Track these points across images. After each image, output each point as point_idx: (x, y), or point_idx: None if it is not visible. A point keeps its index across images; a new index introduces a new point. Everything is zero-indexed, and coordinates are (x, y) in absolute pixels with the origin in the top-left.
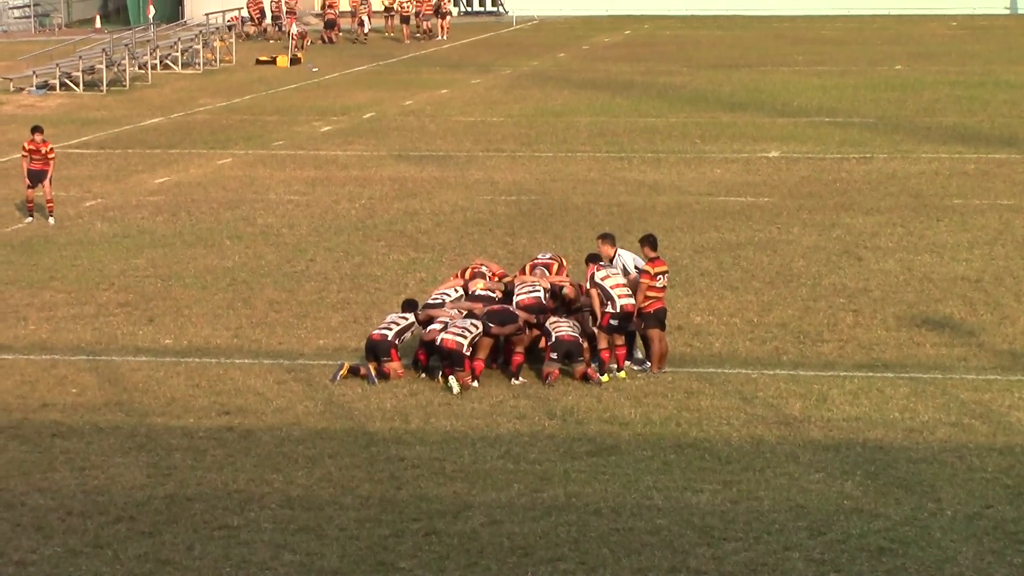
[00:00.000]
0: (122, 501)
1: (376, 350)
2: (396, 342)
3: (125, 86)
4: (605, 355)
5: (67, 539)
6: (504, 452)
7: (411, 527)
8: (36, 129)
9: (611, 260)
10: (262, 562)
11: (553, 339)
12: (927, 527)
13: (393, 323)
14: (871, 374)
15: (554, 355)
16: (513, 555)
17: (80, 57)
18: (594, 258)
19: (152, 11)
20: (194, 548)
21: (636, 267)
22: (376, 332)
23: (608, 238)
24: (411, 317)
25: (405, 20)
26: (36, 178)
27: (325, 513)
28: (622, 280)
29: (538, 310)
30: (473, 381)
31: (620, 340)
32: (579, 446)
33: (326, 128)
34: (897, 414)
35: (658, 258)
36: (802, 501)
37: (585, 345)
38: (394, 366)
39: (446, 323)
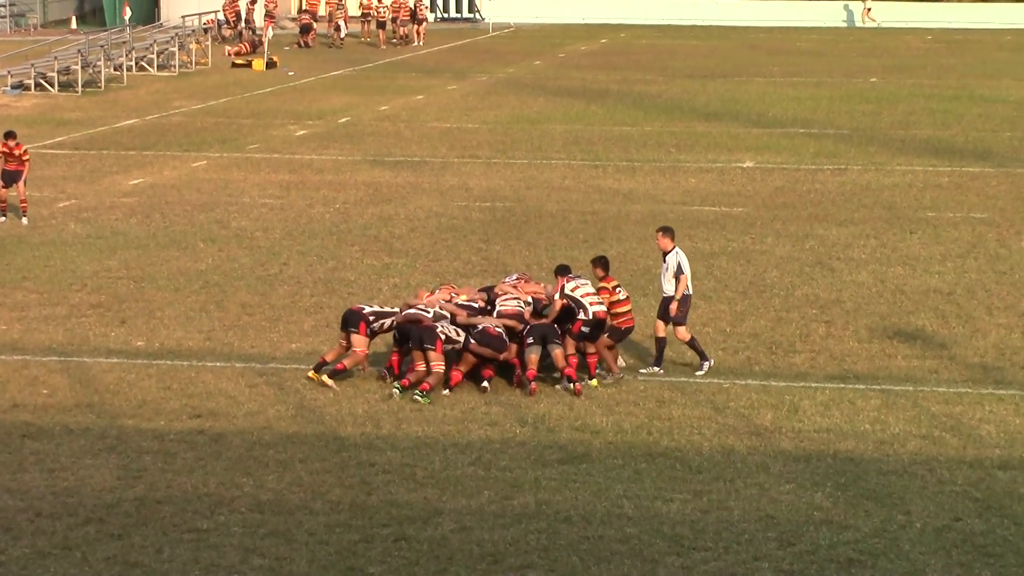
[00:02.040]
0: (92, 503)
1: (348, 320)
2: (370, 318)
3: (100, 87)
4: (573, 361)
5: (36, 540)
6: (475, 459)
7: (381, 533)
8: (9, 135)
9: (666, 254)
10: (231, 566)
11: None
12: (896, 539)
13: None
14: (842, 385)
15: (531, 340)
16: (483, 562)
17: (55, 58)
18: (563, 270)
19: (128, 13)
20: (163, 551)
21: (680, 268)
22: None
23: (668, 231)
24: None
25: (382, 25)
26: (10, 178)
27: (295, 518)
28: (591, 289)
29: (519, 320)
30: (446, 389)
31: (591, 348)
32: (550, 454)
33: (301, 132)
34: (868, 426)
35: (607, 276)
36: (772, 512)
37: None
38: (359, 339)
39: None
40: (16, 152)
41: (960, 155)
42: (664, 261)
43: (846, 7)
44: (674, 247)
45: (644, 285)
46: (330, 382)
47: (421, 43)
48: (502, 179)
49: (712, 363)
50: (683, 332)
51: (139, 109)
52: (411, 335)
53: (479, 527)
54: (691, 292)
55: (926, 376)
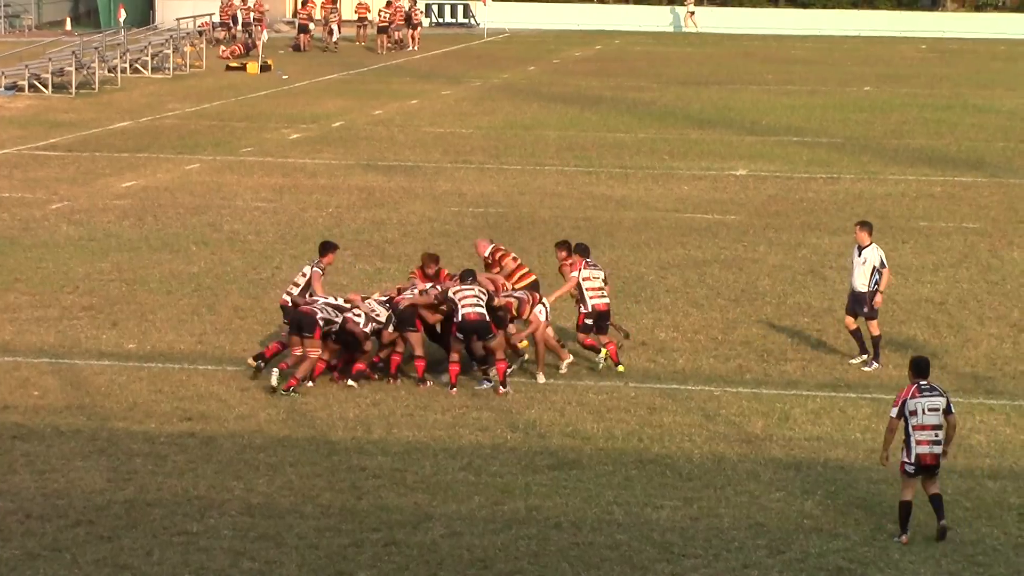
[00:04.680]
0: (82, 505)
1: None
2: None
3: (94, 89)
4: (606, 346)
5: (25, 542)
6: (465, 464)
7: (371, 537)
8: None
9: (862, 249)
10: (221, 569)
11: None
12: (886, 548)
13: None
14: (833, 394)
15: (460, 335)
16: (472, 567)
17: (50, 59)
18: (583, 251)
19: (123, 15)
20: (153, 553)
21: (883, 262)
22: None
23: (867, 225)
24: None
25: (382, 30)
26: None
27: (285, 521)
28: (599, 284)
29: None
30: (451, 388)
31: (605, 338)
32: (541, 459)
33: (295, 136)
34: (859, 434)
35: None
36: (762, 519)
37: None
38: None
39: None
40: None
41: (953, 165)
42: (859, 255)
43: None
44: (871, 242)
45: (636, 292)
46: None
47: (415, 48)
48: (495, 185)
49: (879, 366)
50: (875, 326)
51: (133, 111)
52: (292, 321)
53: (469, 532)
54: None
55: None
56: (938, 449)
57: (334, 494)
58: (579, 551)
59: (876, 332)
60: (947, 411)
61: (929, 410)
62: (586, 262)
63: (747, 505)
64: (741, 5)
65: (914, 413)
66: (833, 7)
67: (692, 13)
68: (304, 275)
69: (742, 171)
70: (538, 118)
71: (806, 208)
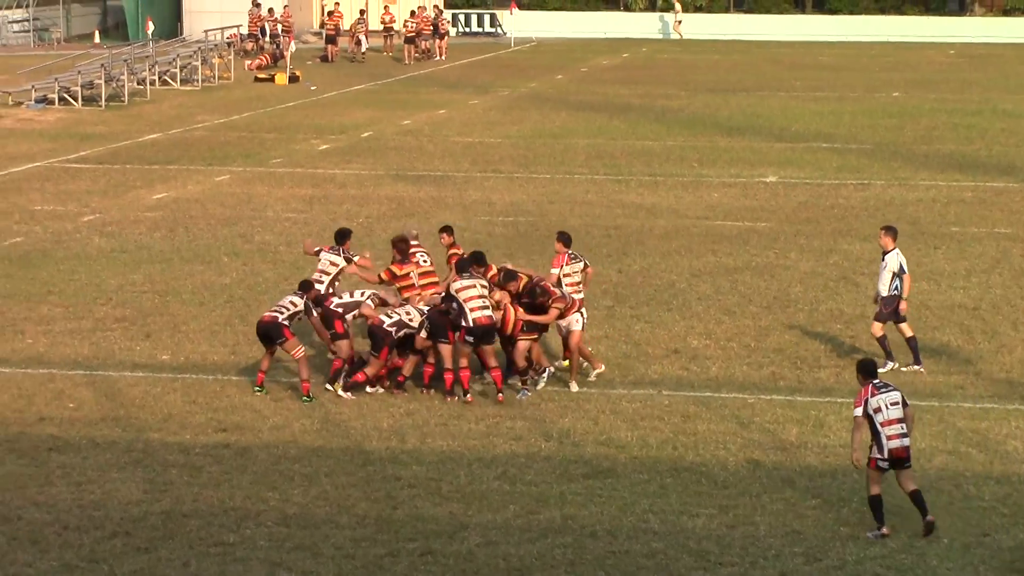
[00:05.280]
0: (118, 516)
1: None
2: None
3: (123, 101)
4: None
5: (63, 553)
6: (500, 473)
7: (407, 547)
8: None
9: (886, 254)
10: None
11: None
12: (924, 555)
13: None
14: None
15: (469, 338)
16: None
17: (79, 72)
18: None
19: (151, 27)
20: (190, 565)
21: (903, 267)
22: (268, 314)
23: (891, 230)
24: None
25: (410, 40)
26: None
27: (321, 532)
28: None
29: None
30: (466, 396)
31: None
32: (575, 468)
33: (324, 146)
34: None
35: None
36: (798, 527)
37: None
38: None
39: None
40: None
41: (984, 170)
42: (883, 260)
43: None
44: (895, 247)
45: (668, 300)
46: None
47: (443, 57)
48: (524, 194)
49: (896, 366)
50: (878, 328)
51: (162, 123)
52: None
53: (505, 541)
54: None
55: (952, 391)
56: (907, 441)
57: (369, 504)
58: (615, 560)
59: (878, 333)
60: (904, 403)
61: (891, 404)
62: (569, 257)
63: (783, 513)
64: (768, 12)
65: (878, 410)
66: (860, 13)
67: (680, 22)
68: (335, 264)
69: (772, 178)
70: (567, 126)
71: (837, 214)
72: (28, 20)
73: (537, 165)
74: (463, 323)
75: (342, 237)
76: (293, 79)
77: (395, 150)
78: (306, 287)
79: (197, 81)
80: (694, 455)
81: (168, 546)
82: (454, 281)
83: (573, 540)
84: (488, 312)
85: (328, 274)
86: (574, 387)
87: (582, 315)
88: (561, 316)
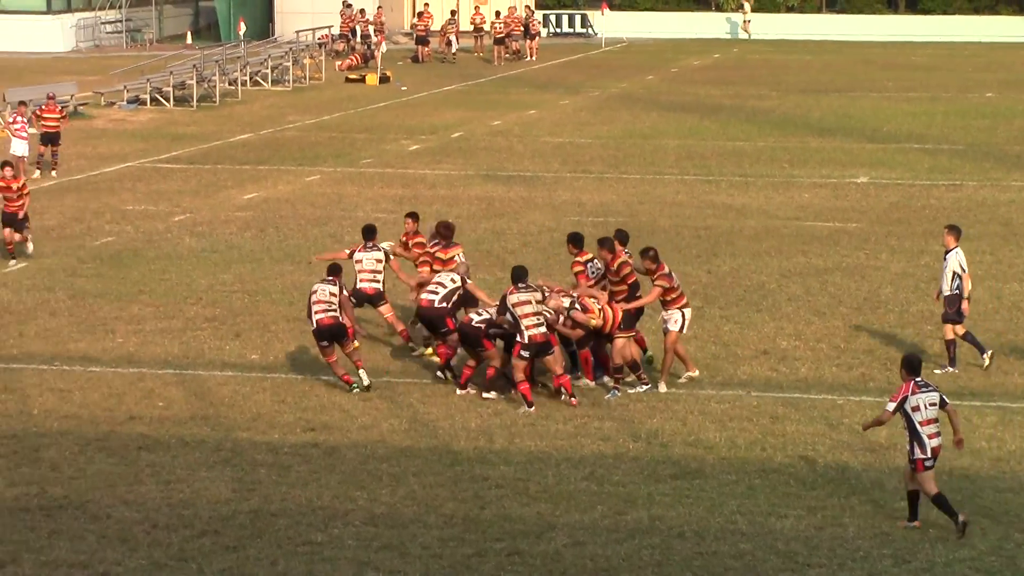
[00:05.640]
0: (207, 515)
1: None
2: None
3: (215, 102)
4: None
5: (152, 552)
6: (588, 473)
7: (494, 547)
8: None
9: (948, 252)
10: None
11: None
12: (1013, 557)
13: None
14: (958, 402)
15: (524, 353)
16: None
17: (171, 72)
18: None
19: (243, 28)
20: (278, 564)
21: (963, 267)
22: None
23: (955, 229)
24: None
25: (499, 41)
26: (11, 221)
27: (409, 531)
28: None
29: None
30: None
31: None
32: (663, 469)
33: (414, 147)
34: (984, 443)
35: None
36: (887, 529)
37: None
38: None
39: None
40: (13, 186)
41: None
42: (944, 259)
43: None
44: (956, 246)
45: (758, 301)
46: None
47: (534, 58)
48: (615, 194)
49: (954, 371)
50: (950, 330)
51: (253, 124)
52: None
53: (592, 542)
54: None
55: None
56: (940, 441)
57: (457, 504)
58: (703, 561)
59: (950, 336)
60: (943, 404)
61: (929, 405)
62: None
63: (872, 514)
64: (860, 12)
65: (917, 409)
66: (954, 13)
67: (748, 22)
68: (380, 260)
69: (863, 179)
70: (657, 127)
71: (928, 216)
72: (121, 21)
73: (627, 165)
74: (518, 338)
75: (371, 233)
76: (384, 80)
77: (485, 150)
78: (335, 271)
79: (288, 82)
80: (783, 456)
81: (256, 545)
82: (511, 294)
83: (660, 541)
84: (543, 328)
85: (379, 272)
86: (663, 388)
87: (683, 315)
88: (664, 297)
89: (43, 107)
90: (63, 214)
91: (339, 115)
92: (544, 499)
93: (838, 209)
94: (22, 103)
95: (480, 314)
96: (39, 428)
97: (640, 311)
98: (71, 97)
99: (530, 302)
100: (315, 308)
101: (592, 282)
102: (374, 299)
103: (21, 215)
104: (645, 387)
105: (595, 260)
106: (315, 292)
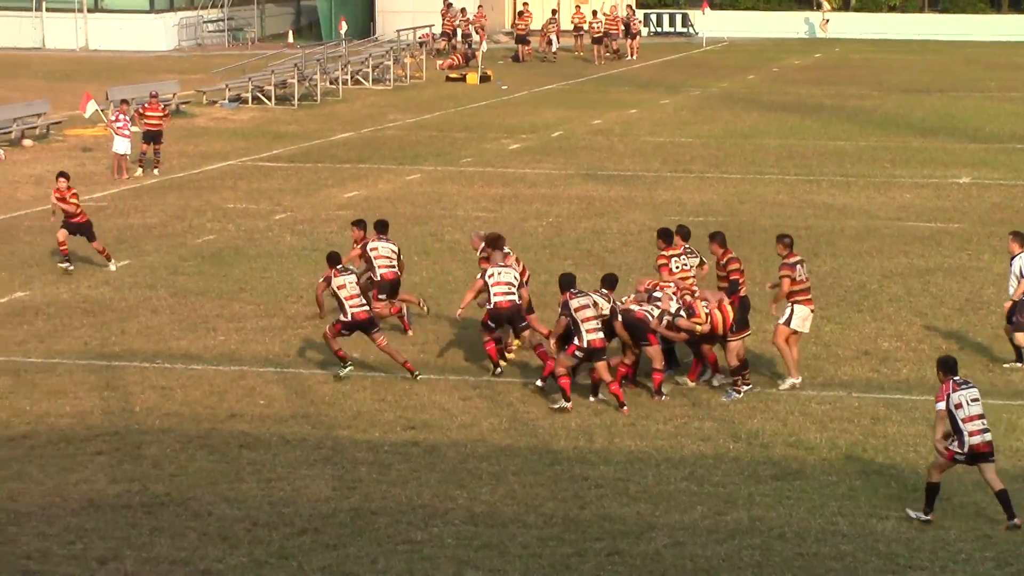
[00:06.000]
0: (307, 513)
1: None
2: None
3: (316, 101)
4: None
5: (252, 549)
6: (688, 474)
7: (594, 547)
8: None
9: (1013, 259)
10: None
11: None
12: None
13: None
14: (1008, 402)
15: (579, 354)
16: None
17: (272, 71)
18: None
19: (344, 27)
20: (378, 562)
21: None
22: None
23: (1019, 236)
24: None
25: (598, 40)
26: (77, 230)
27: (508, 531)
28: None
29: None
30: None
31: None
32: (764, 469)
33: (514, 146)
34: None
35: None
36: (989, 531)
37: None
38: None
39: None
40: (70, 199)
41: None
42: (1011, 264)
43: None
44: (1021, 251)
45: (858, 301)
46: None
47: (634, 57)
48: (715, 193)
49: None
50: (1021, 338)
51: (354, 122)
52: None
53: (692, 542)
54: None
55: None
56: (988, 436)
57: (557, 503)
58: (803, 562)
59: (1021, 342)
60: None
61: (971, 400)
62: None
63: (974, 516)
64: (963, 11)
65: (960, 406)
66: None
67: (827, 20)
68: (394, 251)
69: (965, 179)
70: (758, 127)
71: None
72: (223, 20)
73: (728, 165)
74: (576, 341)
75: (385, 226)
76: (484, 79)
77: (585, 149)
78: (334, 260)
79: (389, 80)
80: (884, 457)
81: (356, 543)
82: (571, 299)
83: (761, 542)
84: (601, 334)
85: (393, 260)
86: (794, 380)
87: (792, 309)
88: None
89: (146, 105)
90: (165, 212)
91: (439, 114)
92: (644, 499)
93: (940, 209)
94: (124, 101)
95: (656, 308)
96: (141, 425)
97: (746, 312)
98: (173, 96)
99: (589, 306)
100: (349, 303)
101: (675, 276)
102: (396, 286)
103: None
104: (747, 388)
105: (681, 255)
106: (343, 287)
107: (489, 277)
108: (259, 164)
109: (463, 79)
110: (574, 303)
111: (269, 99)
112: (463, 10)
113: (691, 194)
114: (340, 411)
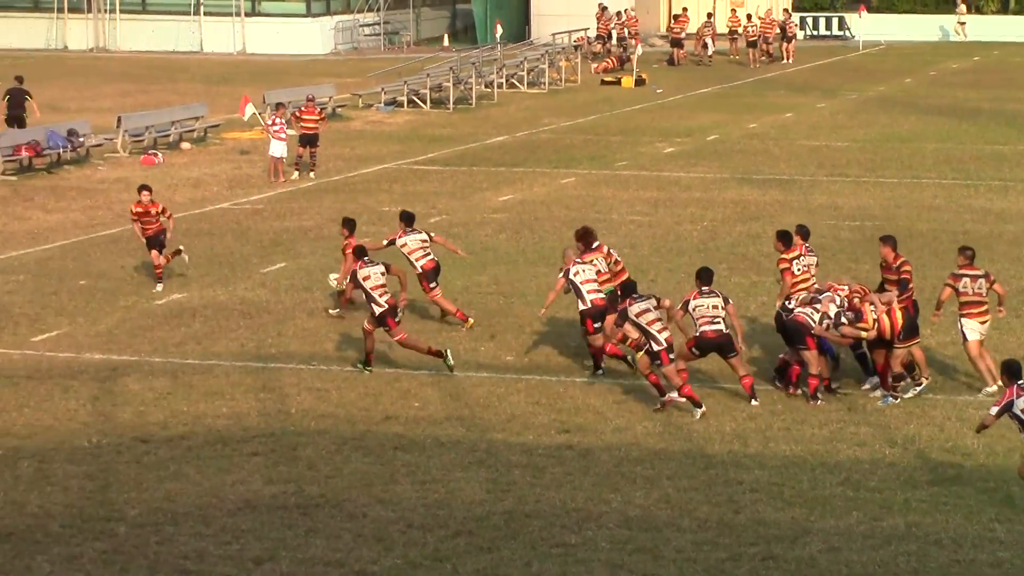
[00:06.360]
0: (462, 515)
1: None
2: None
3: (471, 104)
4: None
5: (407, 551)
6: (843, 479)
7: (748, 551)
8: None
9: None
10: None
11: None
12: None
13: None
14: None
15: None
16: None
17: (428, 75)
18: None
19: (499, 31)
20: (532, 565)
21: None
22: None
23: None
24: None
25: (753, 44)
26: (155, 243)
27: (662, 535)
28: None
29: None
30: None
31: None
32: (920, 475)
33: (669, 149)
34: None
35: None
36: None
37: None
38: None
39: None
40: (152, 211)
41: None
42: None
43: None
44: None
45: (1017, 307)
46: None
47: (790, 61)
48: (871, 198)
49: None
50: None
51: (509, 126)
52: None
53: (848, 548)
54: None
55: None
56: None
57: (711, 507)
58: (960, 569)
59: None
60: None
61: None
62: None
63: None
64: None
65: None
66: None
67: (963, 23)
68: (425, 241)
69: None
70: (915, 131)
71: None
72: (379, 24)
73: (884, 169)
74: (655, 346)
75: (412, 218)
76: (639, 82)
77: (740, 153)
78: (360, 252)
79: (544, 84)
80: None
81: (510, 546)
82: (629, 306)
83: (917, 548)
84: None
85: (427, 247)
86: (992, 388)
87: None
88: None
89: (302, 109)
90: (321, 215)
91: (594, 117)
92: (799, 504)
93: None
94: (281, 105)
95: (816, 311)
96: (297, 427)
97: (916, 318)
98: (329, 99)
99: (649, 310)
100: (376, 293)
101: (798, 278)
102: (438, 271)
103: (165, 235)
104: (918, 388)
105: (802, 257)
106: (368, 278)
107: (575, 276)
108: (414, 167)
109: (618, 83)
110: (633, 309)
111: (424, 102)
112: (619, 13)
113: (847, 198)
114: (494, 414)
